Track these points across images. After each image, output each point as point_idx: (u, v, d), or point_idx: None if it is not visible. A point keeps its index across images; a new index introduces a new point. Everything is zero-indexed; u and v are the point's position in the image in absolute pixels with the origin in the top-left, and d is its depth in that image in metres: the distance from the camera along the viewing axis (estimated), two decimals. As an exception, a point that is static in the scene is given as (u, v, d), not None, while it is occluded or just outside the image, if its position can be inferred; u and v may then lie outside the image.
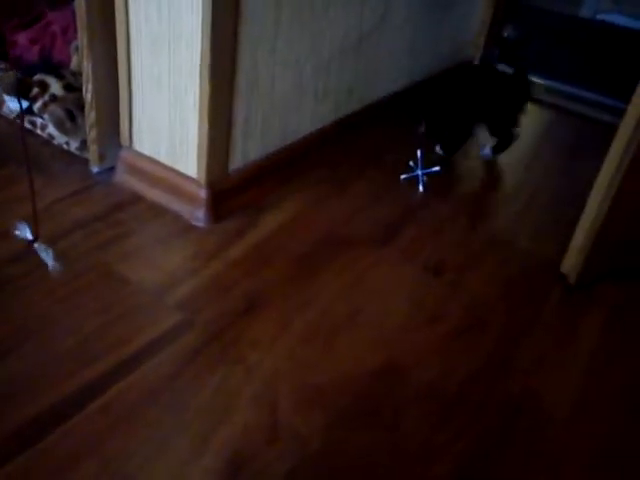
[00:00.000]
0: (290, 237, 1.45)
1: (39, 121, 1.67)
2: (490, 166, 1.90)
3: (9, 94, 1.69)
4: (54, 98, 1.62)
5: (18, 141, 1.59)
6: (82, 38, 1.43)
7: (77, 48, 1.65)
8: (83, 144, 1.61)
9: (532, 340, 1.27)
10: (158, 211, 1.48)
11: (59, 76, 1.69)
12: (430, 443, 1.03)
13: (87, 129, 1.54)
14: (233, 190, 1.50)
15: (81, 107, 1.55)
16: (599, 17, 3.03)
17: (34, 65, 1.78)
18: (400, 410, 1.07)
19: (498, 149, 1.88)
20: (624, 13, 2.91)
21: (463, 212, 1.64)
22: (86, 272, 1.27)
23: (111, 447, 0.95)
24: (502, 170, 1.90)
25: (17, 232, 1.06)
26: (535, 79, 2.30)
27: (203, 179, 1.43)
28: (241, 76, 1.39)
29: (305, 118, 1.68)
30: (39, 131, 1.68)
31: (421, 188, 1.69)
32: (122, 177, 1.55)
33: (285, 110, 1.59)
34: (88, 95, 1.49)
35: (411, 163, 1.71)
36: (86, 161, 1.59)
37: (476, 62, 2.43)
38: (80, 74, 1.52)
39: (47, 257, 1.05)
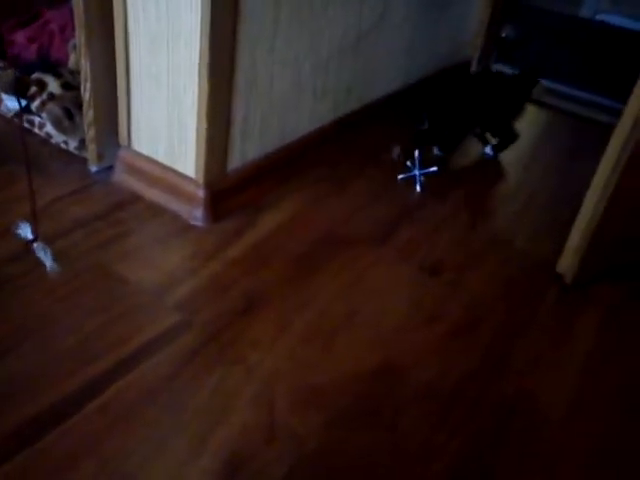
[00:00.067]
0: (289, 237, 1.45)
1: (37, 120, 1.67)
2: (488, 166, 1.90)
3: (7, 93, 1.69)
4: (52, 97, 1.62)
5: (16, 140, 1.59)
6: (80, 36, 1.43)
7: (75, 46, 1.65)
8: (81, 143, 1.60)
9: (528, 340, 1.27)
10: (156, 211, 1.48)
11: (57, 75, 1.69)
12: (429, 443, 1.03)
13: (85, 128, 1.54)
14: (232, 190, 1.50)
15: (79, 106, 1.55)
16: (598, 17, 3.04)
17: (32, 64, 1.78)
18: (398, 410, 1.08)
19: (500, 148, 1.90)
20: (623, 14, 2.92)
21: (461, 212, 1.64)
22: (84, 272, 1.27)
23: (109, 447, 0.96)
24: (500, 170, 1.90)
25: (19, 231, 1.06)
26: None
27: (201, 179, 1.43)
28: (240, 75, 1.39)
29: (304, 117, 1.68)
30: (37, 130, 1.68)
31: (418, 188, 1.69)
32: (120, 176, 1.55)
33: (284, 109, 1.59)
34: (86, 94, 1.49)
35: (408, 163, 1.71)
36: (84, 160, 1.59)
37: (474, 61, 2.43)
38: (78, 72, 1.52)
39: (45, 257, 1.05)
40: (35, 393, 1.02)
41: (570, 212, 1.42)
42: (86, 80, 1.47)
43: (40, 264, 1.08)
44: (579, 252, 1.38)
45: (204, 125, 1.36)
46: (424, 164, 1.70)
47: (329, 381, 1.11)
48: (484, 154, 1.92)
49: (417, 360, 1.18)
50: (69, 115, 1.58)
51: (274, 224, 1.48)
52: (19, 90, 1.64)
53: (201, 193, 1.44)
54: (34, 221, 1.09)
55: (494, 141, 1.90)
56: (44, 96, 1.64)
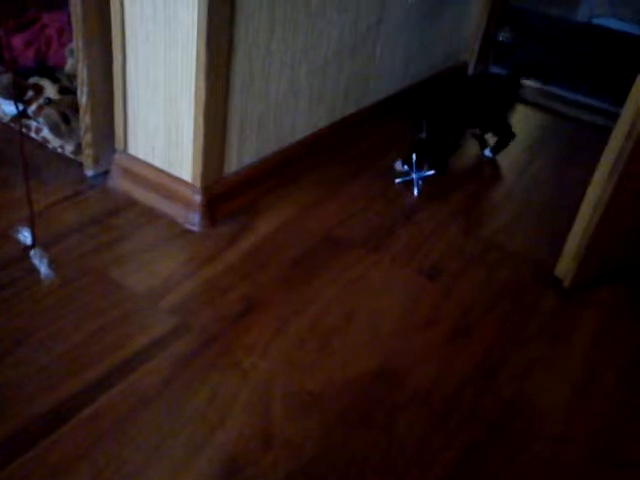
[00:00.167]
0: (285, 241, 1.45)
1: (34, 124, 1.67)
2: (486, 169, 1.91)
3: (4, 97, 1.68)
4: (49, 101, 1.62)
5: (12, 144, 1.59)
6: (77, 41, 1.43)
7: (72, 51, 1.65)
8: (78, 148, 1.60)
9: (526, 344, 1.27)
10: (153, 215, 1.47)
11: (54, 79, 1.69)
12: (426, 447, 1.02)
13: (82, 132, 1.54)
14: (228, 194, 1.50)
15: (76, 110, 1.55)
16: (595, 21, 3.04)
17: (29, 68, 1.78)
18: (395, 414, 1.07)
19: (498, 147, 1.92)
20: (619, 17, 2.93)
21: (458, 216, 1.64)
22: (80, 277, 1.27)
23: (104, 453, 0.95)
24: (497, 173, 1.90)
25: (19, 235, 1.05)
26: (531, 83, 2.31)
27: (198, 183, 1.43)
28: (236, 79, 1.39)
29: (300, 121, 1.68)
30: (34, 134, 1.68)
31: (416, 192, 1.69)
32: (117, 181, 1.55)
33: (280, 113, 1.59)
34: (83, 98, 1.49)
35: (405, 167, 1.71)
36: (81, 165, 1.59)
37: (471, 65, 2.43)
38: (75, 77, 1.52)
39: (41, 264, 1.04)
40: (29, 399, 1.01)
41: (568, 215, 1.41)
42: (83, 84, 1.47)
43: (35, 270, 1.08)
44: (577, 256, 1.38)
45: (200, 129, 1.36)
46: (422, 167, 1.70)
47: (325, 385, 1.11)
48: (483, 156, 1.92)
49: (414, 364, 1.18)
50: (66, 120, 1.58)
51: (271, 228, 1.48)
52: (16, 94, 1.64)
53: (197, 197, 1.44)
54: (32, 227, 1.08)
55: (492, 142, 1.92)
56: (41, 101, 1.64)
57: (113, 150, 1.56)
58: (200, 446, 0.98)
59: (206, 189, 1.44)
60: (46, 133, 1.63)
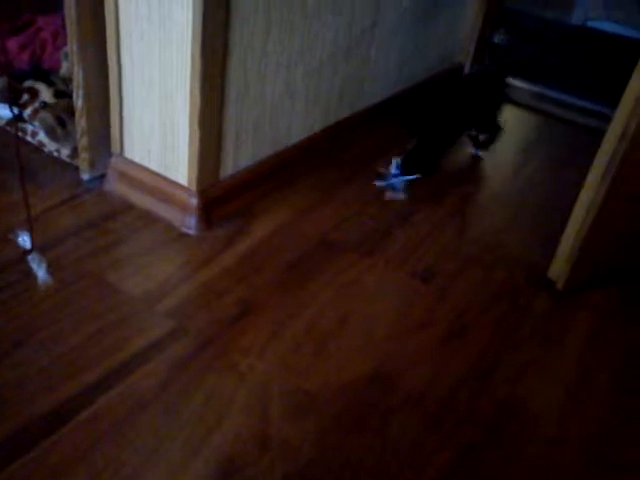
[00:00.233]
0: (281, 244, 1.46)
1: (29, 128, 1.67)
2: (479, 171, 1.92)
3: (-1, 101, 1.69)
4: (44, 105, 1.62)
5: (8, 148, 1.59)
6: (72, 44, 1.43)
7: (67, 54, 1.65)
8: (74, 151, 1.60)
9: (520, 346, 1.28)
10: (149, 219, 1.48)
11: (49, 82, 1.70)
12: (420, 449, 1.03)
13: (78, 136, 1.54)
14: (224, 197, 1.51)
15: (72, 114, 1.55)
16: (589, 24, 3.06)
17: (24, 71, 1.78)
18: (390, 417, 1.08)
19: (487, 144, 1.94)
20: (613, 20, 2.94)
21: (451, 218, 1.65)
22: (77, 281, 1.27)
23: (103, 455, 0.96)
24: (491, 176, 1.91)
25: (18, 239, 1.06)
26: (526, 85, 2.33)
27: (194, 186, 1.44)
28: (232, 82, 1.39)
29: (296, 124, 1.69)
30: (29, 138, 1.68)
31: (392, 195, 1.68)
32: (113, 185, 1.55)
33: (276, 116, 1.59)
34: (79, 102, 1.49)
35: (383, 169, 1.71)
36: (77, 168, 1.59)
37: (466, 67, 2.44)
38: (70, 80, 1.52)
39: (38, 269, 1.05)
40: (29, 400, 1.02)
41: (561, 217, 1.42)
42: (78, 88, 1.47)
43: (32, 275, 1.08)
44: (570, 258, 1.39)
45: (196, 133, 1.37)
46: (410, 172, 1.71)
47: (321, 388, 1.11)
48: (475, 155, 1.94)
49: (408, 366, 1.19)
50: (62, 123, 1.58)
51: (266, 231, 1.49)
52: (11, 98, 1.64)
53: (193, 201, 1.44)
54: (31, 231, 1.09)
55: (482, 138, 1.93)
56: (36, 104, 1.64)
57: (109, 154, 1.56)
58: (197, 448, 0.98)
59: (202, 192, 1.45)
60: (42, 137, 1.64)
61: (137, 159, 1.52)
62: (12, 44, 1.86)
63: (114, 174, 1.55)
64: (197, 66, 1.29)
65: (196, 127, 1.36)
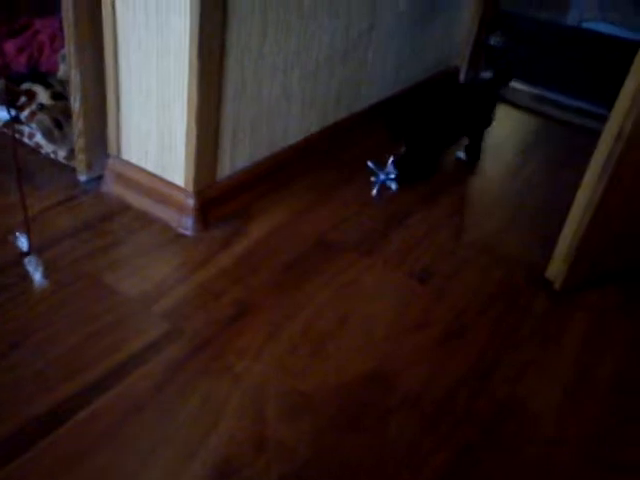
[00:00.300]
0: (278, 245, 1.46)
1: (27, 130, 1.67)
2: (476, 173, 1.91)
3: (-3, 103, 1.69)
4: (42, 107, 1.62)
5: (5, 150, 1.59)
6: (69, 46, 1.43)
7: (64, 57, 1.65)
8: (71, 153, 1.60)
9: (518, 346, 1.28)
10: (146, 220, 1.48)
11: (47, 85, 1.70)
12: (418, 449, 1.03)
13: (75, 138, 1.54)
14: (221, 198, 1.51)
15: (69, 116, 1.55)
16: (585, 25, 3.06)
17: (22, 74, 1.78)
18: (388, 417, 1.08)
19: (473, 159, 1.94)
20: (609, 21, 2.95)
21: (449, 219, 1.65)
22: (74, 281, 1.27)
23: (98, 458, 0.95)
24: (489, 177, 1.91)
25: (17, 242, 1.06)
26: (522, 87, 2.33)
27: (191, 187, 1.43)
28: (229, 83, 1.39)
29: (293, 125, 1.69)
30: (26, 140, 1.68)
31: (375, 192, 1.68)
32: (110, 186, 1.55)
33: (273, 117, 1.59)
34: (76, 104, 1.49)
35: (371, 164, 1.70)
36: (74, 170, 1.59)
37: (462, 69, 2.44)
38: (68, 83, 1.52)
39: (35, 271, 1.05)
40: (26, 401, 1.02)
41: (559, 218, 1.42)
42: (76, 90, 1.48)
43: (29, 277, 1.08)
44: (568, 258, 1.39)
45: (193, 134, 1.37)
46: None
47: (318, 388, 1.11)
48: (458, 158, 1.94)
49: (407, 367, 1.18)
50: (59, 125, 1.58)
51: (263, 232, 1.49)
52: (9, 100, 1.64)
53: (190, 202, 1.44)
54: (28, 233, 1.09)
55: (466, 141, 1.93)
56: (34, 106, 1.64)
57: (106, 155, 1.56)
58: (194, 449, 0.98)
59: (199, 193, 1.45)
60: (39, 138, 1.64)
61: (134, 160, 1.52)
62: (10, 46, 1.86)
63: (111, 175, 1.55)
64: (194, 70, 1.29)
65: (193, 124, 1.35)
